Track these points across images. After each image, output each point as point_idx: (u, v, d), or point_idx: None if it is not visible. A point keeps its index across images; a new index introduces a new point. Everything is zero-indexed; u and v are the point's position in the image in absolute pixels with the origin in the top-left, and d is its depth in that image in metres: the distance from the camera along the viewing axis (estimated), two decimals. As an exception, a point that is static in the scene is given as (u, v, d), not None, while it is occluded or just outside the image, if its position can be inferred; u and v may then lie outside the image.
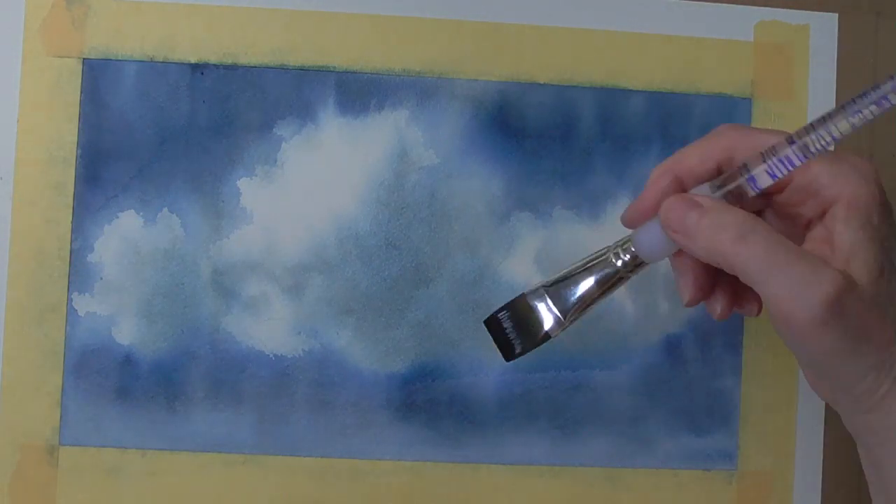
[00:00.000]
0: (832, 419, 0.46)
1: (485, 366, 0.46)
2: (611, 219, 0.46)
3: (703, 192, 0.35)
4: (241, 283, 0.45)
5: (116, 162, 0.45)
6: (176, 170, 0.45)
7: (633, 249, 0.36)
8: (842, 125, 0.33)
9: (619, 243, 0.37)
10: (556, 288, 0.37)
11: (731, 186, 0.35)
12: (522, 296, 0.37)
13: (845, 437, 0.38)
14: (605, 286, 0.37)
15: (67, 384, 0.44)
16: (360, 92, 0.46)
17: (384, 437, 0.45)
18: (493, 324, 0.38)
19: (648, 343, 0.46)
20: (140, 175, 0.45)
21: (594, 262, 0.37)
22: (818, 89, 0.48)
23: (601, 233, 0.46)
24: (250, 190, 0.45)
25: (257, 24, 0.45)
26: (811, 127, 0.34)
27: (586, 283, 0.37)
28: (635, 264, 0.36)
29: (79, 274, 0.44)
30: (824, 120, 0.34)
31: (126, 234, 0.45)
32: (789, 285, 0.33)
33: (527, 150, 0.46)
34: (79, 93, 0.45)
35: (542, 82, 0.46)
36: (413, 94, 0.46)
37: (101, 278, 0.44)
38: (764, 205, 0.38)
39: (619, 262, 0.36)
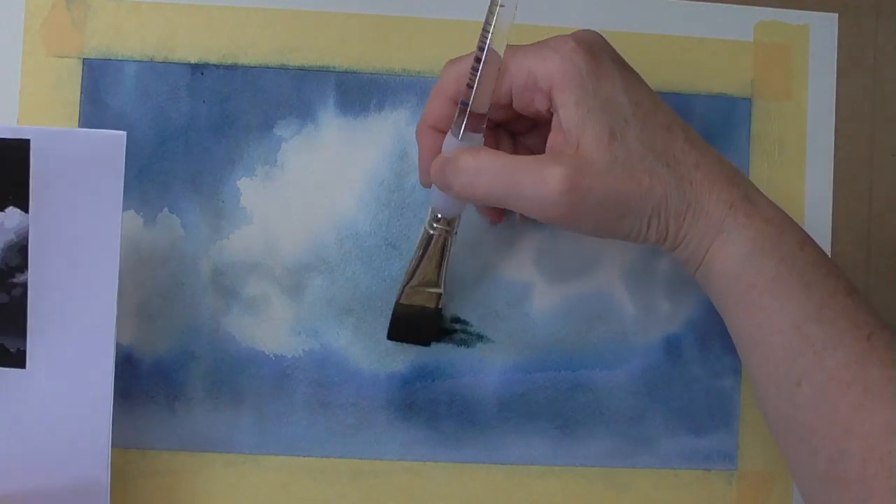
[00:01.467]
0: (832, 419, 0.46)
1: (485, 366, 0.46)
2: (611, 219, 0.46)
3: (450, 141, 0.39)
4: (241, 283, 0.45)
5: (116, 162, 0.45)
6: (176, 170, 0.45)
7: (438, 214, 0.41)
8: (495, 18, 0.37)
9: (431, 210, 0.41)
10: (414, 280, 0.42)
11: (463, 123, 0.38)
12: (398, 304, 0.43)
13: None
14: (440, 251, 0.42)
15: (67, 384, 0.44)
16: (360, 92, 0.46)
17: (384, 437, 0.45)
18: (395, 336, 0.44)
19: (648, 343, 0.46)
20: (140, 175, 0.45)
21: (421, 240, 0.42)
22: (818, 89, 0.48)
23: (601, 233, 0.46)
24: (250, 190, 0.45)
25: (257, 24, 0.45)
26: (483, 30, 0.37)
27: (427, 261, 0.42)
28: (447, 222, 0.41)
29: (79, 274, 0.44)
30: (487, 20, 0.37)
31: (126, 234, 0.44)
32: (527, 197, 0.36)
33: (527, 150, 0.46)
34: (79, 93, 0.45)
35: (542, 82, 0.46)
36: (413, 94, 0.46)
37: (101, 278, 0.44)
38: (516, 113, 0.40)
39: (433, 230, 0.41)
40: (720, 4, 0.47)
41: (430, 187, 0.41)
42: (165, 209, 0.45)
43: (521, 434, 0.46)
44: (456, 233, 0.42)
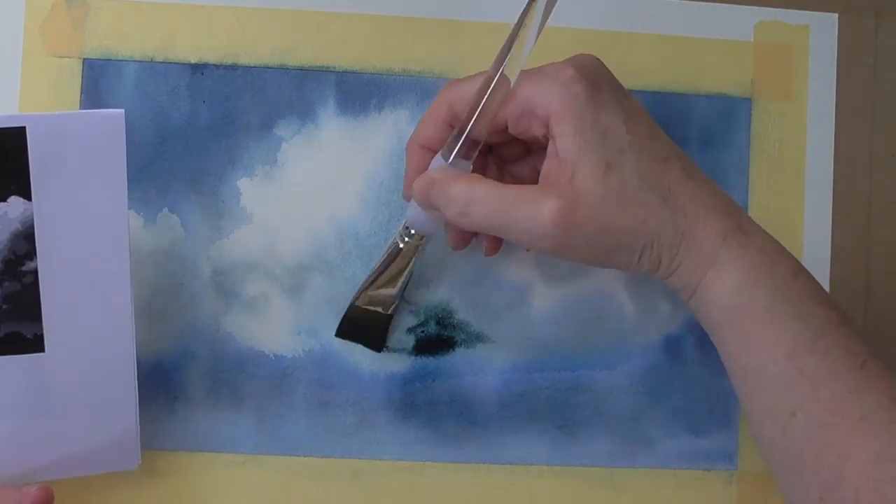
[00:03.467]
0: (832, 419, 0.46)
1: (485, 366, 0.46)
2: (611, 219, 0.46)
3: (438, 162, 0.38)
4: (241, 283, 0.45)
5: (116, 162, 0.45)
6: (176, 170, 0.45)
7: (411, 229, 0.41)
8: (520, 48, 0.37)
9: (403, 224, 0.41)
10: (373, 286, 0.43)
11: (457, 147, 0.38)
12: (353, 305, 0.44)
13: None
14: (405, 263, 0.42)
15: (67, 384, 0.44)
16: (360, 92, 0.46)
17: (384, 437, 0.45)
18: (343, 334, 0.44)
19: (648, 343, 0.46)
20: (140, 175, 0.45)
21: (389, 250, 0.42)
22: (818, 89, 0.48)
23: (601, 233, 0.46)
24: (250, 190, 0.45)
25: (257, 24, 0.45)
26: (498, 59, 0.37)
27: (391, 271, 0.42)
28: (419, 238, 0.41)
29: (79, 274, 0.44)
30: (506, 47, 0.37)
31: (126, 234, 0.45)
32: (521, 229, 0.36)
33: (527, 150, 0.46)
34: (79, 93, 0.45)
35: (542, 82, 0.46)
36: (413, 94, 0.46)
37: (101, 278, 0.44)
38: (510, 137, 0.40)
39: (403, 244, 0.41)
40: (720, 4, 0.47)
41: (407, 199, 0.41)
42: (165, 209, 0.45)
43: (521, 434, 0.46)
44: (424, 248, 0.42)
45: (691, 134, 0.47)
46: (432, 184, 0.38)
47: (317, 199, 0.45)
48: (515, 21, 0.37)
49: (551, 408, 0.46)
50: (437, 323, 0.46)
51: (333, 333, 0.44)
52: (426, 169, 0.39)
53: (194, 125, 0.45)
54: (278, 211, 0.45)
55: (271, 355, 0.45)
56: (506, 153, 0.42)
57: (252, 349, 0.45)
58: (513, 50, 0.36)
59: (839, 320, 0.37)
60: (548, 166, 0.37)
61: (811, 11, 0.48)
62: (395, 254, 0.42)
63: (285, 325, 0.45)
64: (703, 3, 0.47)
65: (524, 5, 0.37)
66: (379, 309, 0.44)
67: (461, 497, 0.45)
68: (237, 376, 0.45)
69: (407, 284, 0.43)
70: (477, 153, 0.38)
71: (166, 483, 0.44)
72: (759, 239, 0.37)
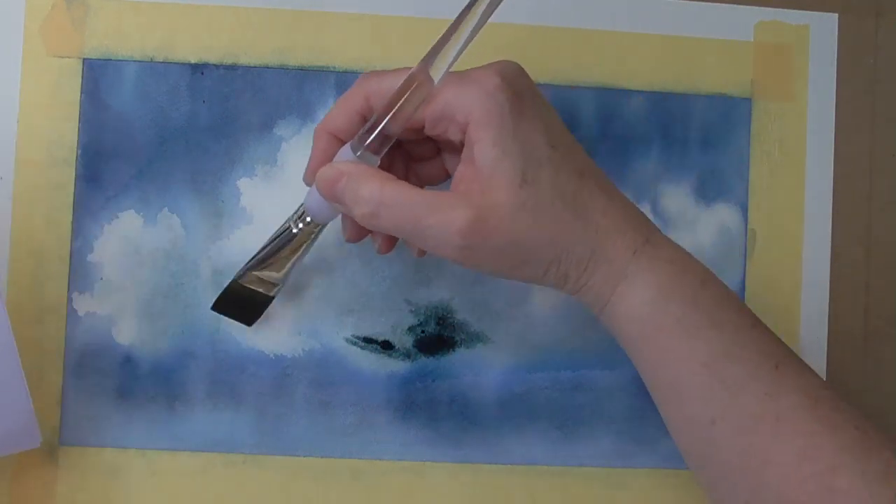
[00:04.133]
0: (832, 419, 0.46)
1: (485, 366, 0.46)
2: (611, 219, 0.46)
3: (346, 153, 0.37)
4: (241, 283, 0.45)
5: (116, 162, 0.45)
6: (176, 170, 0.45)
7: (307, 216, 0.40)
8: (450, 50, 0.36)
9: (298, 210, 0.40)
10: (259, 266, 0.42)
11: (368, 141, 0.37)
12: (235, 281, 0.42)
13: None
14: (296, 249, 0.41)
15: (67, 384, 0.44)
16: (360, 92, 0.46)
17: (384, 437, 0.45)
18: (220, 309, 0.43)
19: (648, 343, 0.46)
20: (140, 175, 0.45)
21: (281, 232, 0.41)
22: (818, 89, 0.48)
23: (601, 233, 0.46)
24: (250, 190, 0.45)
25: (257, 24, 0.45)
26: (425, 59, 0.36)
27: (280, 253, 0.41)
28: (315, 226, 0.40)
29: (79, 274, 0.44)
30: (436, 47, 0.36)
31: (126, 234, 0.45)
32: (430, 236, 0.35)
33: (527, 150, 0.46)
34: (79, 93, 0.45)
35: (542, 82, 0.46)
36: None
37: (101, 278, 0.44)
38: (423, 137, 0.39)
39: (296, 230, 0.40)
40: (720, 4, 0.47)
41: (308, 184, 0.40)
42: (165, 209, 0.45)
43: (521, 434, 0.45)
44: (319, 235, 0.41)
45: (691, 134, 0.47)
46: (340, 177, 0.37)
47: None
48: (453, 20, 0.36)
49: (551, 408, 0.46)
50: (437, 323, 0.46)
51: (210, 307, 0.43)
52: (330, 156, 0.38)
53: (194, 125, 0.45)
54: (278, 211, 0.45)
55: (271, 355, 0.45)
56: (415, 151, 0.41)
57: (252, 349, 0.45)
58: (442, 51, 0.36)
59: (751, 324, 0.37)
60: (462, 172, 0.37)
61: (811, 11, 0.48)
62: (287, 238, 0.41)
63: (285, 325, 0.45)
64: (703, 3, 0.47)
65: (464, 6, 0.36)
66: (261, 290, 0.42)
67: (461, 497, 0.45)
68: (237, 376, 0.45)
69: (293, 268, 0.42)
70: (387, 148, 0.37)
71: (166, 483, 0.44)
72: (668, 250, 0.37)
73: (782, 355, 0.36)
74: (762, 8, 0.48)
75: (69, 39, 0.45)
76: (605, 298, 0.37)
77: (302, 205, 0.40)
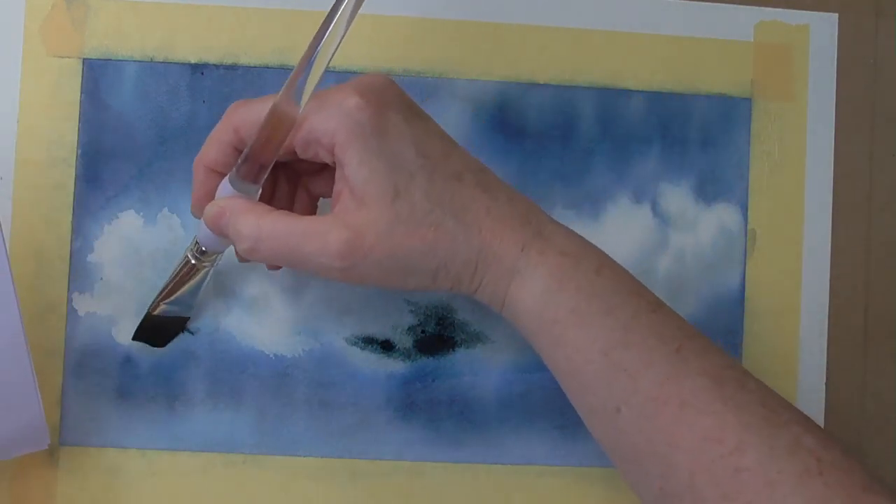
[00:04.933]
0: (831, 419, 0.46)
1: (485, 366, 0.46)
2: (611, 219, 0.46)
3: (226, 187, 0.38)
4: (241, 283, 0.45)
5: (116, 162, 0.45)
6: (176, 170, 0.45)
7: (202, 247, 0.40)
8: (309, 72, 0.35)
9: (193, 242, 0.41)
10: (167, 299, 0.43)
11: (243, 171, 0.37)
12: (149, 313, 0.43)
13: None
14: (198, 278, 0.42)
15: (67, 384, 0.44)
16: (360, 92, 0.46)
17: (384, 437, 0.45)
18: (140, 339, 0.44)
19: (648, 343, 0.46)
20: (140, 175, 0.45)
21: (182, 265, 0.42)
22: (818, 89, 0.48)
23: (601, 233, 0.46)
24: (250, 190, 0.45)
25: (257, 24, 0.45)
26: (287, 86, 0.36)
27: (182, 284, 0.42)
28: (211, 255, 0.41)
29: (79, 274, 0.44)
30: (297, 73, 0.35)
31: (126, 234, 0.45)
32: (310, 262, 0.36)
33: (527, 150, 0.46)
34: (79, 93, 0.45)
35: (542, 82, 0.46)
36: (413, 94, 0.45)
37: (101, 278, 0.44)
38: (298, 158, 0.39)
39: (194, 260, 0.41)
40: (720, 4, 0.47)
41: (196, 216, 0.40)
42: (165, 209, 0.45)
43: (521, 434, 0.46)
44: (218, 262, 0.42)
45: (691, 134, 0.47)
46: (223, 213, 0.37)
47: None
48: (309, 44, 0.36)
49: (551, 408, 0.46)
50: (437, 323, 0.46)
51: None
52: (212, 189, 0.39)
53: (194, 125, 0.45)
54: (278, 211, 0.45)
55: (271, 355, 0.45)
56: (301, 167, 0.41)
57: (252, 349, 0.45)
58: (306, 78, 0.35)
59: (650, 308, 0.37)
60: (337, 191, 0.37)
61: (811, 11, 0.48)
62: (188, 269, 0.41)
63: (285, 325, 0.45)
64: (703, 3, 0.47)
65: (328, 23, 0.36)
66: (175, 315, 0.43)
67: (461, 497, 0.45)
68: (237, 376, 0.45)
69: (202, 293, 0.43)
70: (266, 175, 0.37)
71: (166, 483, 0.44)
72: (560, 241, 0.37)
73: (684, 337, 0.36)
74: (762, 8, 0.48)
75: (69, 39, 0.45)
76: (501, 296, 0.37)
77: (195, 237, 0.40)
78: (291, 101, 0.35)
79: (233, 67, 0.45)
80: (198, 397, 0.44)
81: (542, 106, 0.46)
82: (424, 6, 0.46)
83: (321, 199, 0.43)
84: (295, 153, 0.38)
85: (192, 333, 0.45)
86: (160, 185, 0.45)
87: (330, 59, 0.35)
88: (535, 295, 0.37)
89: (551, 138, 0.46)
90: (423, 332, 0.46)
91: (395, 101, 0.37)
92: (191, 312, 0.44)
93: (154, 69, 0.45)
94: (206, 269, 0.42)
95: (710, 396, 0.35)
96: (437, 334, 0.46)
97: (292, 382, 0.45)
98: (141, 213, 0.45)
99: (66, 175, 0.44)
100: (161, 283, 0.43)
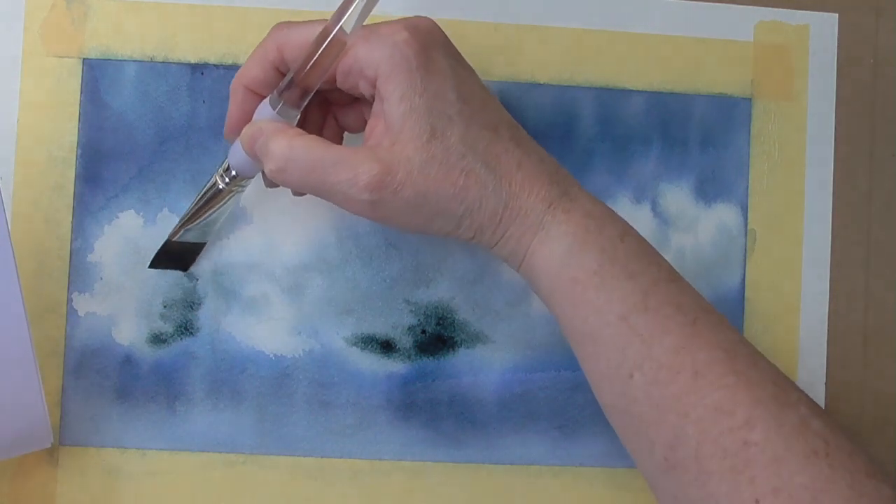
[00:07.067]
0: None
1: (485, 366, 0.46)
2: (611, 219, 0.46)
3: (266, 109, 0.38)
4: (241, 283, 0.45)
5: (116, 162, 0.45)
6: (176, 170, 0.45)
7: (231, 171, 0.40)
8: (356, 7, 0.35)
9: (224, 165, 0.40)
10: (190, 223, 0.42)
11: (286, 95, 0.37)
12: (169, 241, 0.43)
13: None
14: (223, 202, 0.42)
15: (67, 384, 0.44)
16: (360, 92, 0.46)
17: (384, 437, 0.45)
18: (158, 265, 0.44)
19: (648, 343, 0.46)
20: (140, 175, 0.45)
21: (208, 189, 0.41)
22: (818, 89, 0.48)
23: (601, 233, 0.46)
24: (250, 190, 0.45)
25: (257, 24, 0.45)
26: (338, 12, 0.36)
27: (209, 210, 0.42)
28: (240, 181, 0.40)
29: (79, 274, 0.44)
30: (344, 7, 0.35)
31: (126, 234, 0.45)
32: (338, 191, 0.36)
33: (527, 150, 0.46)
34: (79, 93, 0.45)
35: (542, 82, 0.46)
36: (413, 94, 0.46)
37: (101, 278, 0.44)
38: (334, 87, 0.39)
39: (223, 184, 0.41)
40: (720, 4, 0.47)
41: (229, 140, 0.40)
42: (165, 209, 0.45)
43: (521, 434, 0.46)
44: (245, 188, 0.41)
45: (691, 134, 0.47)
46: (259, 134, 0.37)
47: (317, 199, 0.45)
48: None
49: (551, 408, 0.46)
50: (437, 323, 0.46)
51: (151, 265, 0.44)
52: (248, 111, 0.39)
53: (194, 125, 0.45)
54: (278, 211, 0.45)
55: (271, 355, 0.45)
56: (335, 98, 0.41)
57: (252, 349, 0.45)
58: (355, 5, 0.35)
59: (669, 278, 0.37)
60: (372, 126, 0.37)
61: (811, 11, 0.48)
62: (214, 193, 0.41)
63: (285, 325, 0.45)
64: (703, 3, 0.47)
65: None
66: (196, 240, 0.43)
67: (461, 497, 0.45)
68: (237, 376, 0.45)
69: (224, 220, 0.43)
70: (305, 103, 0.37)
71: (166, 483, 0.44)
72: (586, 204, 0.37)
73: (701, 311, 0.36)
74: (762, 8, 0.48)
75: (69, 39, 0.45)
76: (522, 252, 0.37)
77: (226, 160, 0.40)
78: (341, 27, 0.35)
79: (233, 67, 0.45)
80: (198, 397, 0.44)
81: (542, 106, 0.46)
82: (424, 6, 0.46)
83: (346, 134, 0.42)
84: (334, 81, 0.38)
85: (192, 335, 0.45)
86: (160, 185, 0.45)
87: None
88: (557, 253, 0.36)
89: (551, 138, 0.46)
90: (423, 332, 0.46)
91: (442, 43, 0.37)
92: (208, 238, 0.43)
93: (154, 69, 0.45)
94: (234, 194, 0.41)
95: (723, 369, 0.35)
96: (437, 334, 0.46)
97: (292, 382, 0.45)
98: (141, 213, 0.45)
99: (66, 175, 0.44)
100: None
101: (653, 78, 0.47)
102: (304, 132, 0.37)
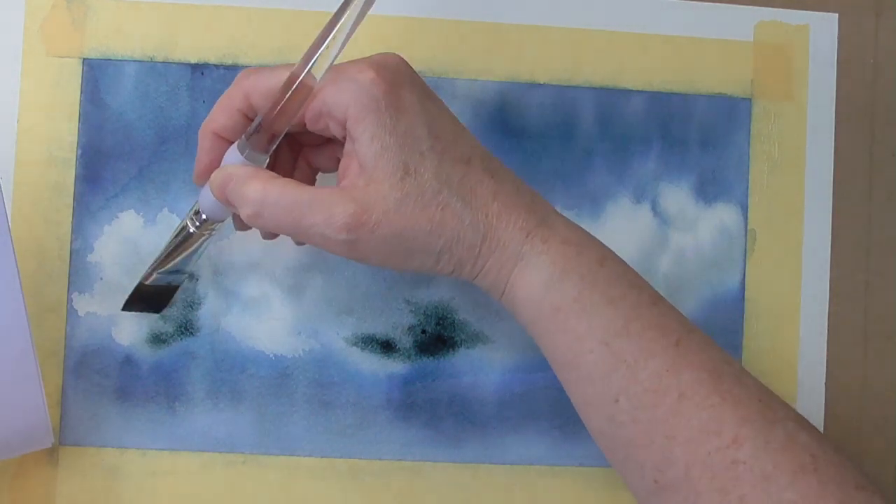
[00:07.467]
0: (831, 419, 0.46)
1: (485, 366, 0.46)
2: (611, 219, 0.47)
3: (234, 154, 0.38)
4: (241, 283, 0.45)
5: (116, 162, 0.45)
6: (176, 170, 0.45)
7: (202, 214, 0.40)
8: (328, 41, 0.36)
9: (194, 209, 0.40)
10: (162, 267, 0.42)
11: (254, 140, 0.37)
12: (141, 284, 0.42)
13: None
14: (195, 245, 0.41)
15: (67, 384, 0.44)
16: (360, 92, 0.46)
17: (384, 437, 0.45)
18: (130, 309, 0.43)
19: (648, 343, 0.46)
20: (140, 175, 0.45)
21: (179, 232, 0.41)
22: (818, 89, 0.48)
23: (601, 233, 0.46)
24: (250, 190, 0.45)
25: (257, 24, 0.45)
26: (306, 56, 0.36)
27: (178, 253, 0.41)
28: (210, 224, 0.40)
29: (79, 274, 0.44)
30: (316, 44, 0.35)
31: (126, 234, 0.45)
32: (313, 233, 0.36)
33: (527, 150, 0.46)
34: (79, 93, 0.45)
35: (542, 82, 0.46)
36: (413, 94, 0.46)
37: (101, 278, 0.44)
38: (304, 130, 0.39)
39: (193, 228, 0.40)
40: (720, 4, 0.47)
41: (199, 184, 0.40)
42: (165, 209, 0.45)
43: (521, 434, 0.46)
44: (214, 232, 0.41)
45: (691, 134, 0.47)
46: (229, 180, 0.37)
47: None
48: (329, 20, 0.36)
49: (551, 408, 0.46)
50: (437, 323, 0.46)
51: (121, 308, 0.43)
52: (217, 157, 0.39)
53: (194, 125, 0.45)
54: (278, 211, 0.45)
55: (271, 355, 0.45)
56: (304, 139, 0.41)
57: (252, 349, 0.45)
58: (322, 49, 0.35)
59: (650, 301, 0.37)
60: (345, 164, 0.37)
61: (811, 11, 0.48)
62: (185, 237, 0.41)
63: (285, 325, 0.45)
64: (703, 3, 0.47)
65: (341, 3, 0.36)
66: (169, 283, 0.43)
67: (461, 497, 0.45)
68: (237, 376, 0.45)
69: (195, 263, 0.43)
70: (276, 145, 0.37)
71: (166, 483, 0.44)
72: (564, 231, 0.37)
73: (684, 332, 0.36)
74: (762, 8, 0.48)
75: (69, 39, 0.45)
76: (502, 283, 0.37)
77: (196, 203, 0.40)
78: (309, 72, 0.36)
79: (233, 67, 0.45)
80: (198, 397, 0.44)
81: (542, 106, 0.46)
82: (424, 6, 0.46)
83: (319, 173, 0.42)
84: (304, 125, 0.38)
85: (192, 335, 0.45)
86: (160, 185, 0.45)
87: (350, 33, 0.35)
88: (537, 282, 0.37)
89: (551, 138, 0.46)
90: (423, 332, 0.46)
91: (409, 79, 0.37)
92: (181, 281, 0.43)
93: (154, 69, 0.45)
94: (205, 238, 0.41)
95: (708, 390, 0.35)
96: (437, 334, 0.46)
97: (292, 382, 0.45)
98: (141, 213, 0.45)
99: (66, 175, 0.44)
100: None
101: (653, 78, 0.47)
102: (277, 175, 0.37)
